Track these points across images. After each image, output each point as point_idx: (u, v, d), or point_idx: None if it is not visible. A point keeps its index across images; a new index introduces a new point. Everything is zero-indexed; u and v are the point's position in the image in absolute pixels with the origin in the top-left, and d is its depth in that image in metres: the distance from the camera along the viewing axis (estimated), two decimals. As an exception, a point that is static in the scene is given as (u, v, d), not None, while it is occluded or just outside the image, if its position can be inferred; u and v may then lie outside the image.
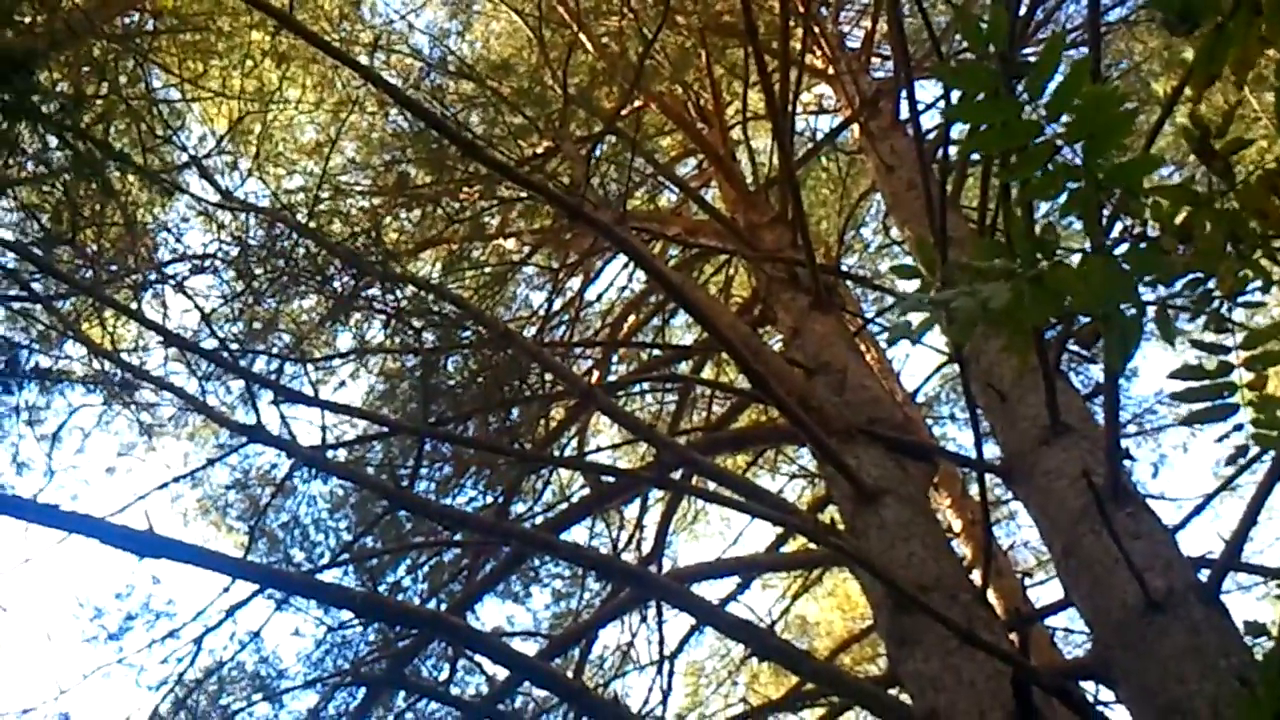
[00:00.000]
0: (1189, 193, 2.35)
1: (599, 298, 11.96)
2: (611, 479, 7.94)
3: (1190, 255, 2.28)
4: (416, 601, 9.50)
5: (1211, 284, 2.41)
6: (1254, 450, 2.71)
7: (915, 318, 2.25)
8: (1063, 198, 2.26)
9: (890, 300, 10.21)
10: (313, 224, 7.28)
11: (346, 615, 9.54)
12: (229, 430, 6.00)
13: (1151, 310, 2.41)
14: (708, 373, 10.38)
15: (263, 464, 10.42)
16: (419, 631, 5.76)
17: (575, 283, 11.65)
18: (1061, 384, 6.24)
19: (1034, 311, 2.21)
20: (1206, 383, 2.57)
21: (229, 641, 9.31)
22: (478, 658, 9.23)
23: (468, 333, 7.67)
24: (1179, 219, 2.31)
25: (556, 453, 10.30)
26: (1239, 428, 2.62)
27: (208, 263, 7.12)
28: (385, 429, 7.61)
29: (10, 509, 3.12)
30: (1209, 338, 2.55)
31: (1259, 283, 2.45)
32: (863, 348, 9.33)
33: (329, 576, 9.68)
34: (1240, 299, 2.45)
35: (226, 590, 8.66)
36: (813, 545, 7.15)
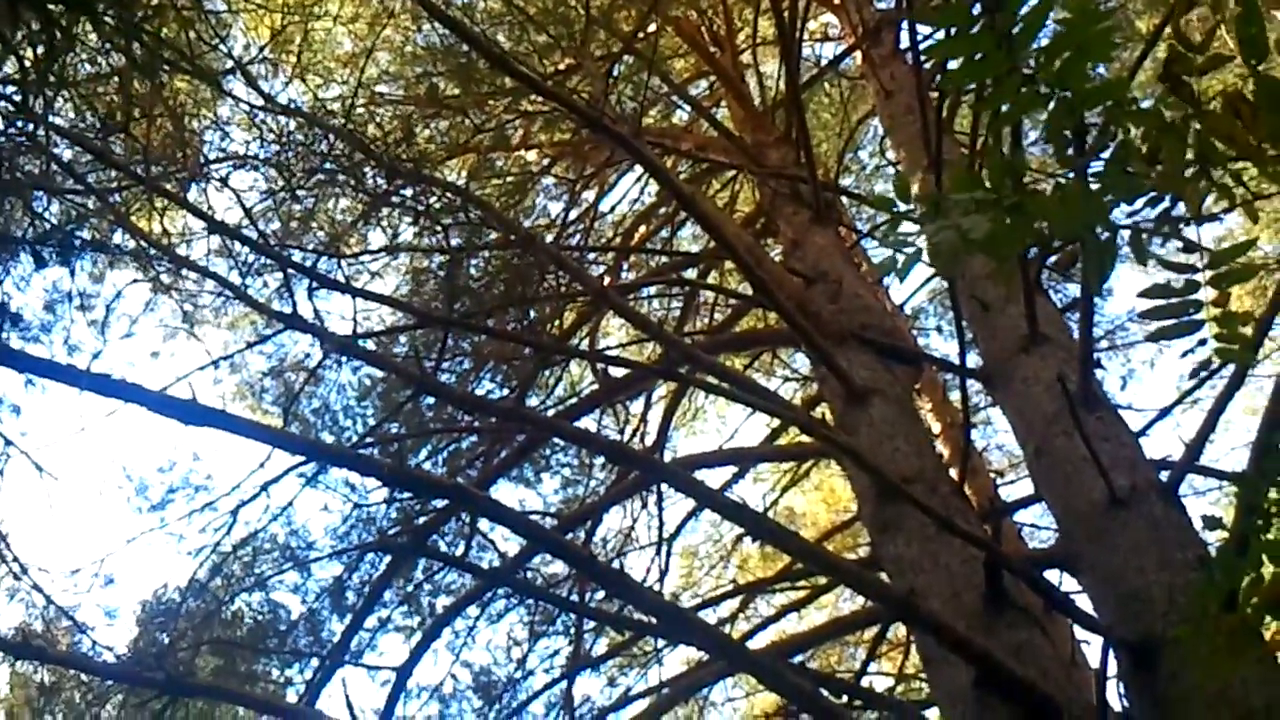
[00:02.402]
0: (1156, 117, 2.33)
1: (612, 209, 11.92)
2: (619, 374, 7.99)
3: (1158, 178, 2.27)
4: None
5: (1179, 207, 2.41)
6: (1216, 364, 2.72)
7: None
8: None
9: (882, 218, 10.15)
10: (349, 129, 7.22)
11: (372, 491, 9.75)
12: (268, 317, 6.02)
13: (1125, 233, 2.40)
14: (712, 280, 10.34)
15: (297, 353, 10.52)
16: (441, 502, 5.78)
17: (590, 195, 11.63)
18: (1040, 298, 6.25)
19: (1013, 240, 2.21)
20: (1173, 300, 2.57)
21: (262, 514, 9.45)
22: (491, 535, 9.40)
23: (491, 236, 7.69)
24: (1146, 142, 2.30)
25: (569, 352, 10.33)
26: (1203, 343, 2.63)
27: (249, 163, 7.08)
28: (412, 318, 7.62)
29: (66, 377, 3.13)
30: (1178, 258, 2.55)
31: (1225, 204, 2.46)
32: (857, 261, 9.29)
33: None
34: (1206, 220, 2.45)
35: (261, 466, 8.75)
36: (805, 439, 7.22)
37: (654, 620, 3.94)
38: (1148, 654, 4.29)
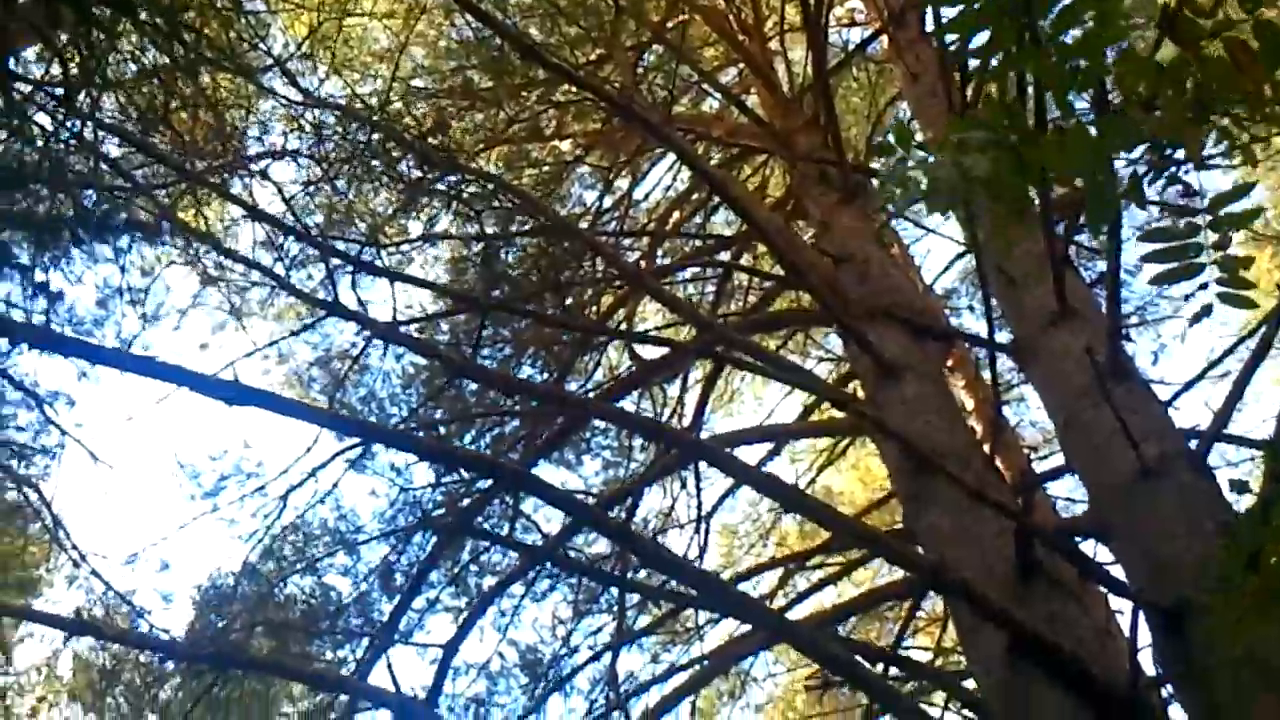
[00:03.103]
0: (1153, 65, 2.30)
1: (646, 197, 11.91)
2: (655, 357, 7.98)
3: (1157, 123, 2.24)
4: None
5: (1179, 152, 2.38)
6: (1216, 309, 2.68)
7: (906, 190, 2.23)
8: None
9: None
10: (385, 121, 7.25)
11: (418, 476, 9.81)
12: (312, 306, 6.06)
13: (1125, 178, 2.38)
14: (744, 263, 10.30)
15: (342, 343, 10.60)
16: (485, 483, 5.78)
17: (624, 183, 11.61)
18: (1068, 272, 6.20)
19: (1013, 180, 2.19)
20: (1175, 244, 2.54)
21: (311, 499, 9.53)
22: (535, 516, 9.45)
23: (527, 225, 7.71)
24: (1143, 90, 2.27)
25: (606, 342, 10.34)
26: (1204, 286, 2.60)
27: (288, 156, 7.11)
28: (451, 302, 7.64)
29: (114, 361, 3.17)
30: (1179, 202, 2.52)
31: (1224, 148, 2.42)
32: (886, 241, 9.26)
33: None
34: (1206, 166, 2.42)
35: (308, 451, 8.81)
36: (839, 415, 7.20)
37: (694, 592, 3.92)
38: (1178, 620, 4.26)
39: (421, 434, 8.62)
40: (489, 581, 9.63)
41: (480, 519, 9.55)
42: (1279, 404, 4.12)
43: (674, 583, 5.85)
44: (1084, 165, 2.15)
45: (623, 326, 10.32)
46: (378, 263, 6.49)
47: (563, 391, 6.87)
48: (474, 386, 8.33)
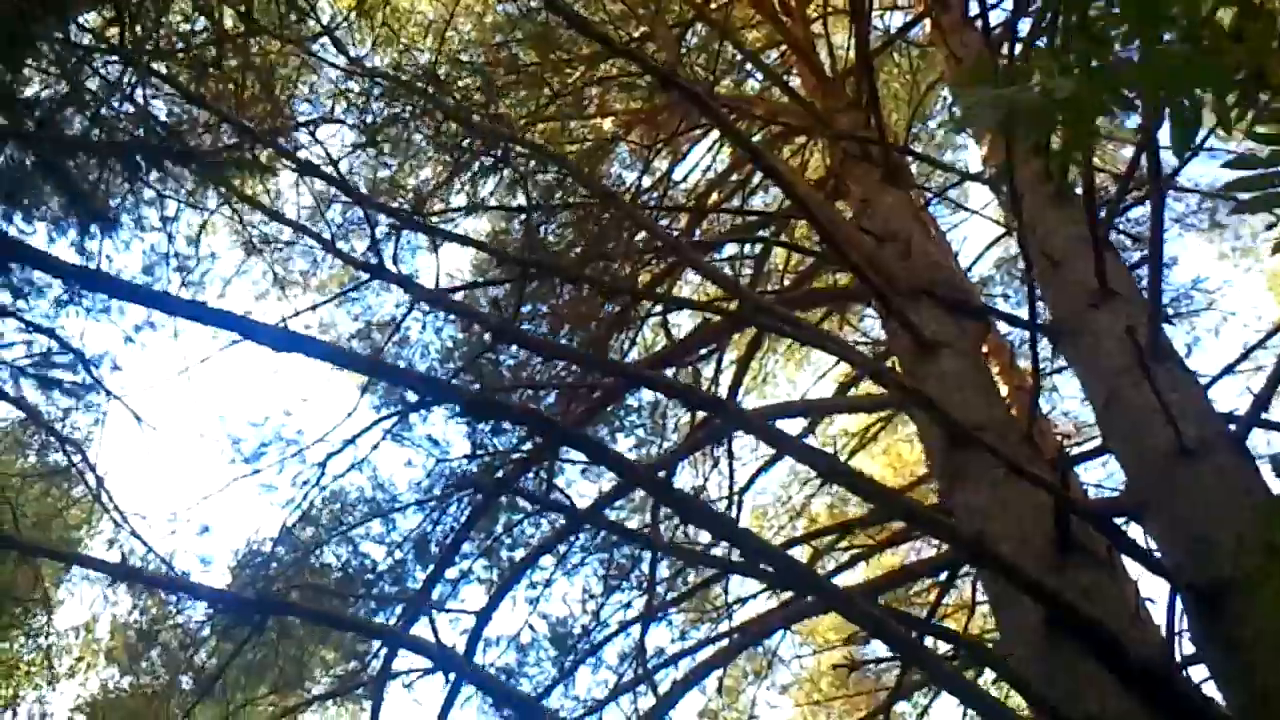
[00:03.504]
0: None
1: (685, 178, 11.85)
2: (691, 331, 7.92)
3: (1243, 51, 2.16)
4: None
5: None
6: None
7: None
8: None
9: (955, 176, 10.02)
10: (431, 91, 7.22)
11: (455, 449, 9.82)
12: (357, 269, 6.04)
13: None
14: (783, 240, 10.22)
15: (382, 315, 10.62)
16: (535, 435, 5.65)
17: (664, 164, 11.55)
18: (1109, 254, 6.13)
19: (1096, 102, 2.11)
20: (1258, 172, 2.45)
21: (349, 467, 9.55)
22: (568, 490, 9.44)
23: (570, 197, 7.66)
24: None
25: (642, 314, 10.29)
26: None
27: (335, 123, 7.10)
28: (494, 265, 7.59)
29: (166, 305, 3.15)
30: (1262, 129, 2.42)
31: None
32: (925, 222, 9.16)
33: (437, 413, 9.98)
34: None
35: (349, 416, 8.83)
36: (875, 392, 7.13)
37: (733, 555, 3.88)
38: (1216, 598, 4.22)
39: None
40: (520, 555, 9.67)
41: (514, 490, 9.60)
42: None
43: (709, 551, 5.80)
44: (1169, 88, 2.08)
45: (659, 307, 10.27)
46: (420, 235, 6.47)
47: (601, 358, 6.83)
48: (509, 361, 8.33)
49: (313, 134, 6.52)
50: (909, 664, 4.72)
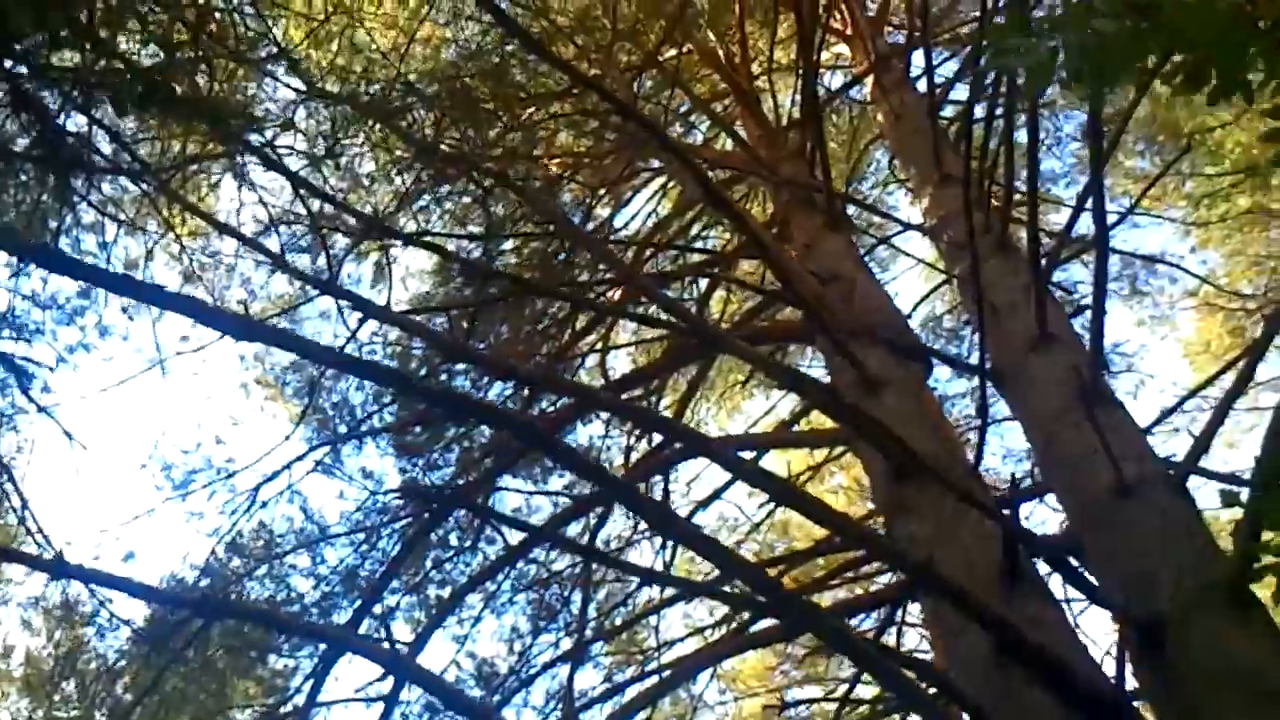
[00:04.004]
0: None
1: (625, 225, 11.81)
2: (627, 371, 7.84)
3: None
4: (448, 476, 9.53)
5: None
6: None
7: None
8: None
9: (893, 227, 10.08)
10: (386, 112, 7.12)
11: (386, 481, 9.62)
12: (307, 284, 5.88)
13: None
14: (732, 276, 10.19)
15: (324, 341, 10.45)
16: (513, 433, 5.44)
17: (605, 211, 11.51)
18: (1050, 302, 6.18)
19: (1147, 42, 2.06)
20: None
21: (280, 497, 9.30)
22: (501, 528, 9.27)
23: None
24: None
25: (578, 362, 10.19)
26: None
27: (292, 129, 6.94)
28: (453, 276, 7.44)
29: (126, 288, 3.00)
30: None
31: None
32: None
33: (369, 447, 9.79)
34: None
35: (287, 439, 8.62)
36: (820, 427, 7.12)
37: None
38: (1157, 633, 4.19)
39: (397, 433, 8.46)
40: (448, 592, 9.47)
41: (441, 529, 9.44)
42: (1266, 424, 4.04)
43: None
44: (1220, 30, 2.02)
45: (598, 345, 10.20)
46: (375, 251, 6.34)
47: (555, 376, 6.71)
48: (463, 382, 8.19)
49: (271, 145, 6.35)
50: (872, 675, 4.61)
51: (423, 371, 8.11)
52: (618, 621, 10.22)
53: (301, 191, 6.02)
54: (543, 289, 6.86)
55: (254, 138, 6.46)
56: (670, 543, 9.02)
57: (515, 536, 9.09)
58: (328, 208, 6.89)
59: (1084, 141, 12.45)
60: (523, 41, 5.53)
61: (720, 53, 10.68)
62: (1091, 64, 2.03)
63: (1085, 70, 2.05)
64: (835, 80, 12.10)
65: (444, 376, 8.04)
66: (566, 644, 9.61)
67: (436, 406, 5.77)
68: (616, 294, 8.28)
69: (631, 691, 8.21)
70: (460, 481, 8.95)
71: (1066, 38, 2.00)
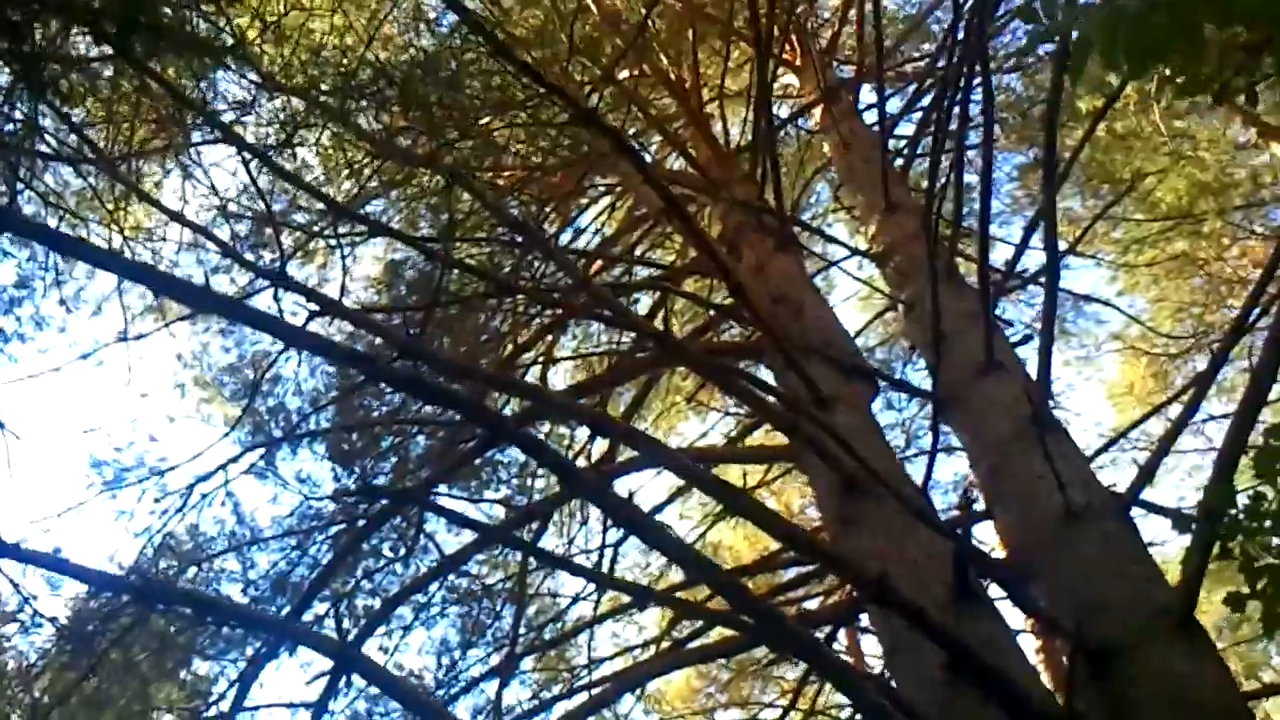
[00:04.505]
0: None
1: (571, 241, 11.68)
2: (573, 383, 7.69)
3: None
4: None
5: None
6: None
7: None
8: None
9: (835, 253, 10.07)
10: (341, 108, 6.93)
11: (322, 485, 9.37)
12: (257, 275, 5.67)
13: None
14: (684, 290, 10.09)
15: (258, 351, 10.18)
16: (478, 423, 5.20)
17: (551, 229, 11.37)
18: (996, 330, 6.15)
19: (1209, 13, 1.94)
20: None
21: (213, 499, 9.02)
22: (436, 536, 9.06)
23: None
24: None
25: (521, 374, 10.02)
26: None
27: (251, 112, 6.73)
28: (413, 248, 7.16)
29: (85, 254, 2.82)
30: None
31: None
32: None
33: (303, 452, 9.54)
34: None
35: (226, 435, 8.35)
36: (768, 443, 7.03)
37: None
38: (1105, 659, 4.14)
39: (340, 437, 8.23)
40: (378, 603, 9.23)
41: (376, 537, 9.21)
42: (1215, 452, 4.02)
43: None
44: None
45: (540, 358, 10.05)
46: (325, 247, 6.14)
47: (508, 376, 6.55)
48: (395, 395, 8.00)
49: (226, 130, 6.12)
50: (826, 677, 4.48)
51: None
52: (548, 637, 10.05)
53: (258, 177, 5.79)
54: (507, 284, 6.68)
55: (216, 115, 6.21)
56: (610, 555, 8.87)
57: (450, 547, 9.02)
58: (277, 203, 6.71)
59: (1020, 181, 12.68)
60: (488, 42, 5.37)
61: (674, 75, 10.64)
62: (1134, 37, 1.91)
63: (1121, 46, 1.93)
64: (782, 110, 12.13)
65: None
66: (495, 659, 9.42)
67: (406, 392, 5.56)
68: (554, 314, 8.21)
69: (559, 709, 8.06)
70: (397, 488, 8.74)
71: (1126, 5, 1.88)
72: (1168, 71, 2.19)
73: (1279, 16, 1.91)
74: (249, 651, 8.76)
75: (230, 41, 6.21)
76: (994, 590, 4.92)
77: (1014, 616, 8.22)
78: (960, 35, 6.59)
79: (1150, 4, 1.82)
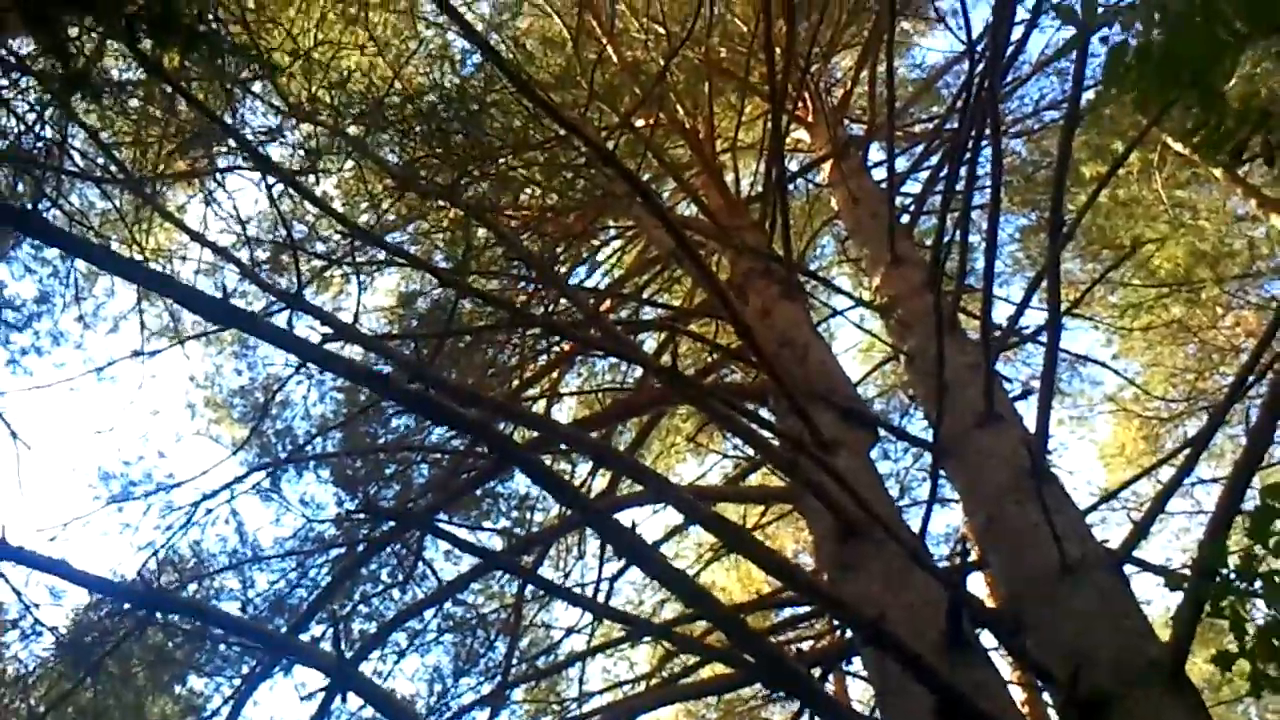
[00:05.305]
0: None
1: (580, 282, 11.69)
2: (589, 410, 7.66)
3: None
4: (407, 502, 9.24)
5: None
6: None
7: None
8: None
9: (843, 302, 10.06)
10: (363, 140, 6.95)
11: (325, 508, 9.34)
12: (274, 298, 5.66)
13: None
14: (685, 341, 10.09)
15: (270, 374, 10.19)
16: (480, 444, 5.10)
17: (564, 269, 11.40)
18: (995, 383, 6.12)
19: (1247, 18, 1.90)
20: None
21: (216, 517, 8.98)
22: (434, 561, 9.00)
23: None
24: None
25: (527, 401, 10.00)
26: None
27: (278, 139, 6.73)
28: (424, 278, 7.17)
29: (106, 261, 2.80)
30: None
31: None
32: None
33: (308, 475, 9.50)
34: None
35: (233, 455, 8.30)
36: (768, 484, 6.99)
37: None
38: (1095, 711, 4.08)
39: (350, 458, 8.20)
40: (374, 627, 9.16)
41: (375, 562, 9.15)
42: (1203, 514, 4.00)
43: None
44: None
45: (546, 393, 10.02)
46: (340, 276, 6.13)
47: (515, 406, 6.52)
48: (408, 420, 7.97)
49: (255, 151, 6.12)
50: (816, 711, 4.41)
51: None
52: (540, 668, 9.97)
53: (280, 201, 5.79)
54: (521, 312, 6.66)
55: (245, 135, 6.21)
56: (606, 589, 8.80)
57: (448, 574, 8.97)
58: (298, 228, 6.72)
59: (1021, 243, 12.72)
60: (512, 81, 5.38)
61: (689, 125, 10.70)
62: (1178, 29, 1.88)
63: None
64: (793, 163, 12.18)
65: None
66: (487, 688, 9.34)
67: (416, 412, 5.52)
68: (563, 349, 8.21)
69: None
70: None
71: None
72: (1188, 125, 2.17)
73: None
74: (245, 669, 8.74)
75: (259, 65, 6.19)
76: (986, 638, 4.87)
77: (1004, 665, 8.19)
78: (970, 99, 6.63)
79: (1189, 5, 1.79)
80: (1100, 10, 2.02)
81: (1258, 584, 3.57)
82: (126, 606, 8.13)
